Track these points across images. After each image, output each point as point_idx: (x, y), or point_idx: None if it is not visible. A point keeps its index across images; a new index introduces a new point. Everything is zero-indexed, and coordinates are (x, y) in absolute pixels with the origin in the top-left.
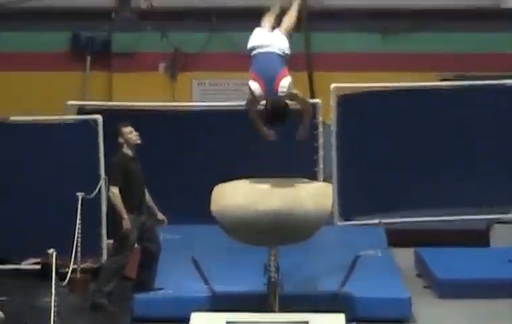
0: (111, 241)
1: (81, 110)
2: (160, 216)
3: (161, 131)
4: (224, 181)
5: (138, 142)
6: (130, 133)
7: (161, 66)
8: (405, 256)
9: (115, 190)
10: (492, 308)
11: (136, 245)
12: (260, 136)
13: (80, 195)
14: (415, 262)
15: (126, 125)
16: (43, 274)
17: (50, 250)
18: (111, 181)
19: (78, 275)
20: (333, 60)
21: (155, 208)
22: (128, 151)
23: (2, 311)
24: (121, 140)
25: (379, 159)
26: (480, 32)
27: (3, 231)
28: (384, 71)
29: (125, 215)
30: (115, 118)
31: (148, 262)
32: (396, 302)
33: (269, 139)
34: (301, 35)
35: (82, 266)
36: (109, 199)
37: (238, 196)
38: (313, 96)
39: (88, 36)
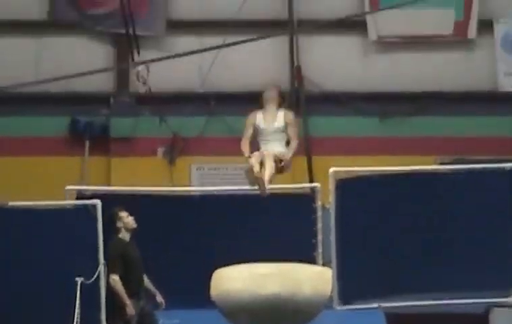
0: None
1: (80, 195)
2: (159, 298)
3: (159, 215)
4: (223, 265)
5: (135, 226)
6: (127, 218)
7: (160, 151)
8: None
9: (115, 277)
10: None
11: None
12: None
13: (78, 280)
14: None
15: (122, 210)
16: None
17: None
18: (110, 269)
19: None
20: (331, 144)
21: (154, 291)
22: (125, 236)
23: None
24: (119, 224)
25: (379, 243)
26: (478, 116)
27: (2, 316)
28: (383, 155)
29: (128, 301)
30: (114, 203)
31: None
32: None
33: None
34: (299, 119)
35: None
36: (109, 285)
37: (237, 280)
38: (311, 180)
39: (87, 121)
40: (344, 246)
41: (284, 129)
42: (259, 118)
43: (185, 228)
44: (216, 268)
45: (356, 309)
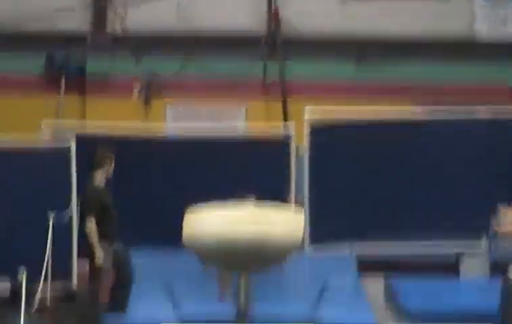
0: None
1: (55, 133)
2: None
3: (133, 155)
4: (196, 206)
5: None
6: (111, 166)
7: (136, 91)
8: (375, 285)
9: (90, 224)
10: None
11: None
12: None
13: (51, 214)
14: (384, 292)
15: (112, 158)
16: (12, 300)
17: (21, 268)
18: (87, 214)
19: (48, 301)
20: (307, 88)
21: None
22: (101, 183)
23: None
24: (104, 167)
25: (351, 187)
26: (455, 64)
27: None
28: (359, 100)
29: (98, 249)
30: (87, 142)
31: (121, 285)
32: None
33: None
34: (276, 63)
35: (51, 292)
36: (84, 230)
37: (209, 222)
38: (286, 121)
39: (63, 60)
40: (316, 190)
41: None
42: None
43: (158, 169)
44: (188, 210)
45: (327, 252)
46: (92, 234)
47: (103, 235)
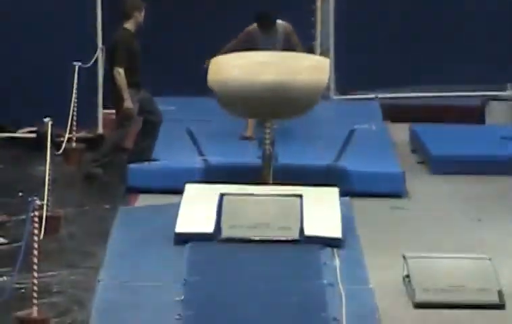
0: (107, 111)
1: None
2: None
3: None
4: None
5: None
6: (142, 13)
7: None
8: (400, 132)
9: (121, 71)
10: (484, 184)
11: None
12: None
13: (76, 64)
14: (409, 138)
15: (142, 6)
16: (38, 143)
17: (46, 119)
18: (116, 61)
19: (74, 145)
20: None
21: None
22: (131, 28)
23: None
24: (135, 14)
25: (378, 35)
26: None
27: (2, 100)
28: None
29: (127, 95)
30: None
31: (149, 131)
32: (389, 177)
33: None
34: None
35: (77, 135)
36: (113, 76)
37: (234, 68)
38: None
39: None
40: (342, 37)
41: (282, 40)
42: (256, 29)
43: (183, 15)
44: (212, 57)
45: (352, 99)
46: (121, 80)
47: (130, 82)
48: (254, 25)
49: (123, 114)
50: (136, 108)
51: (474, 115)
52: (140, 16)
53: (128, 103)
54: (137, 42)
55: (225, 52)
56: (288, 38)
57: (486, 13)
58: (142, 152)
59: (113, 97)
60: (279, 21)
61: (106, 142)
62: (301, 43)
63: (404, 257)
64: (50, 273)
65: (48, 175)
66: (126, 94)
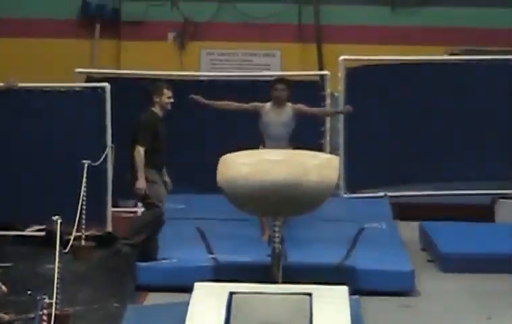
0: (116, 209)
1: (89, 78)
2: (167, 179)
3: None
4: (231, 151)
5: (169, 108)
6: (168, 97)
7: (170, 35)
8: (410, 230)
9: (141, 150)
10: (495, 282)
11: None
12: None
13: (85, 163)
14: (419, 236)
15: (168, 87)
16: (47, 241)
17: (55, 217)
18: (139, 140)
19: (82, 243)
20: (342, 32)
21: (164, 172)
22: (157, 111)
23: (5, 278)
24: (157, 98)
25: (386, 132)
26: (490, 7)
27: (8, 197)
28: (393, 45)
29: (141, 175)
30: (123, 86)
31: (154, 228)
32: (399, 275)
33: None
34: (311, 7)
35: (86, 233)
36: (132, 155)
37: (243, 166)
38: (321, 68)
39: (98, 4)
40: (352, 134)
41: (291, 122)
42: (268, 108)
43: (192, 112)
44: (222, 154)
45: (362, 197)
46: (139, 159)
47: (151, 164)
48: (267, 104)
49: (143, 195)
50: (163, 189)
51: (484, 213)
52: (162, 99)
53: (139, 184)
54: (163, 125)
55: (224, 107)
56: (300, 113)
57: (497, 112)
58: (150, 251)
59: (131, 177)
60: (289, 103)
61: (135, 221)
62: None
63: None
64: None
65: (57, 273)
66: (141, 173)
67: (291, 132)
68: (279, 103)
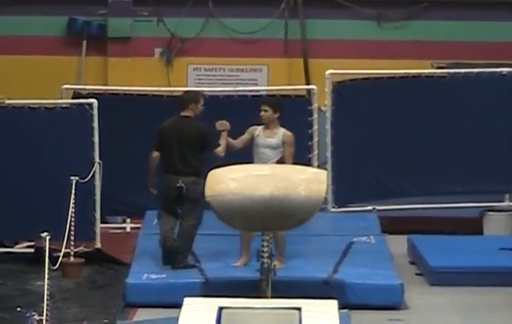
0: (104, 225)
1: (76, 94)
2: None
3: (155, 114)
4: (219, 166)
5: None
6: (202, 106)
7: (157, 51)
8: (398, 243)
9: (155, 155)
10: (483, 296)
11: None
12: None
13: (74, 179)
14: (408, 250)
15: (198, 96)
16: (36, 258)
17: (44, 234)
18: (214, 145)
19: (71, 259)
20: (329, 47)
21: None
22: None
23: None
24: (193, 106)
25: (374, 146)
26: (474, 21)
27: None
28: (379, 59)
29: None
30: (110, 102)
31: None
32: (388, 289)
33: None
34: (297, 22)
35: (75, 250)
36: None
37: (231, 181)
38: (308, 82)
39: (84, 21)
40: (339, 149)
41: (280, 146)
42: (259, 130)
43: None
44: (211, 169)
45: (350, 211)
46: (148, 162)
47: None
48: (259, 126)
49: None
50: (193, 192)
51: (472, 225)
52: (198, 107)
53: (151, 184)
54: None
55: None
56: (283, 145)
57: (484, 125)
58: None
59: (199, 181)
60: (282, 128)
61: (183, 236)
62: (294, 157)
63: None
64: None
65: (47, 290)
66: (150, 177)
67: (280, 156)
68: (267, 125)
